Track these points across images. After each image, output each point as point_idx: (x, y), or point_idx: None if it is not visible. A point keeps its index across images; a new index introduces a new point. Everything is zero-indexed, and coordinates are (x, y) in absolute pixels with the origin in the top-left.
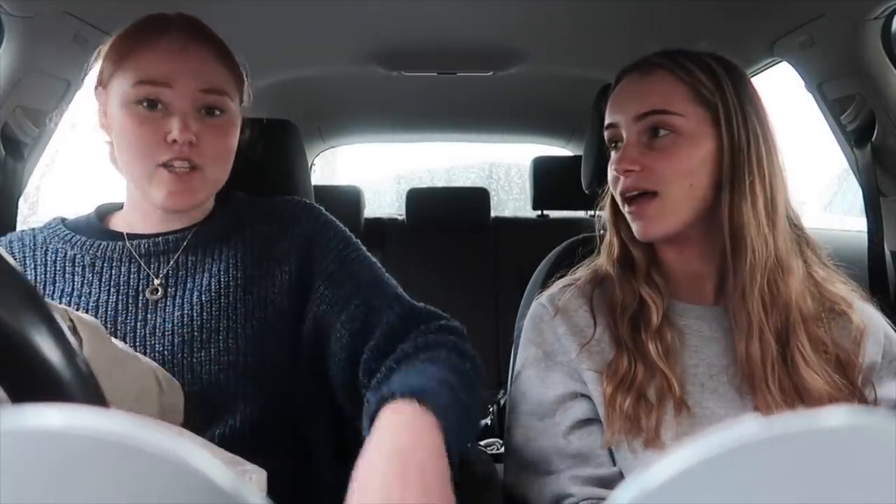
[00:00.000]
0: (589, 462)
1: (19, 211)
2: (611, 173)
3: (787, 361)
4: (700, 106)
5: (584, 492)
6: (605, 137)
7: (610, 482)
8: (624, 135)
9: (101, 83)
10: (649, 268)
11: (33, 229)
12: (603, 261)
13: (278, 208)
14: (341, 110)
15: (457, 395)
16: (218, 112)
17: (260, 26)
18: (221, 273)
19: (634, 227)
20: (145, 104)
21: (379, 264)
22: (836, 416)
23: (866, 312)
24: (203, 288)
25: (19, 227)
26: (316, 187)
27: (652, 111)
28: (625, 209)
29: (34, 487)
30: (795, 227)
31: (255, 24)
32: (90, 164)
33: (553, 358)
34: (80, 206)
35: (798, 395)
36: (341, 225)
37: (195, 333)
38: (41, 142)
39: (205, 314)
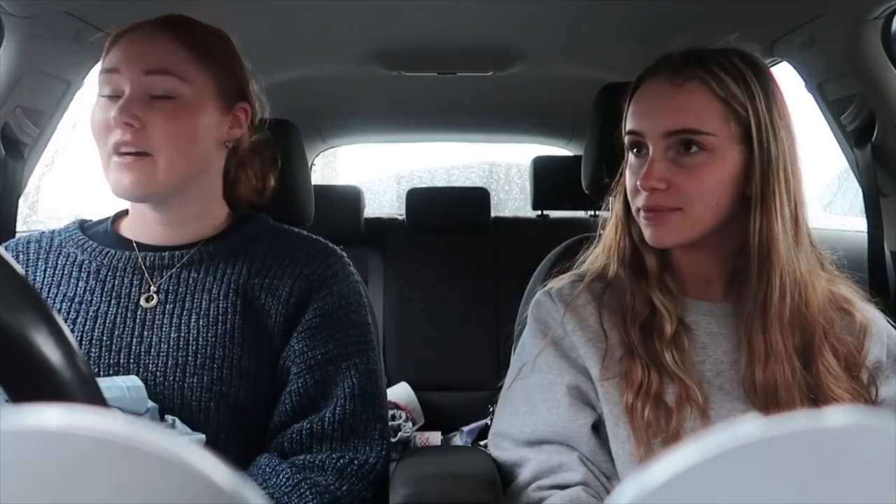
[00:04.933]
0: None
1: (19, 211)
2: (630, 181)
3: (811, 381)
4: (731, 122)
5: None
6: (626, 141)
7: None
8: (650, 147)
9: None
10: (661, 272)
11: (52, 231)
12: (609, 262)
13: (296, 244)
14: (341, 110)
15: None
16: (165, 96)
17: (260, 26)
18: (221, 298)
19: (647, 232)
20: (107, 94)
21: (370, 336)
22: (836, 416)
23: (868, 312)
24: (202, 311)
25: (19, 227)
26: (316, 187)
27: (683, 129)
28: (640, 215)
29: (34, 488)
30: (811, 239)
31: (255, 24)
32: (90, 164)
33: (560, 346)
34: (79, 207)
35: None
36: (355, 282)
37: (189, 358)
38: (41, 142)
39: (201, 339)
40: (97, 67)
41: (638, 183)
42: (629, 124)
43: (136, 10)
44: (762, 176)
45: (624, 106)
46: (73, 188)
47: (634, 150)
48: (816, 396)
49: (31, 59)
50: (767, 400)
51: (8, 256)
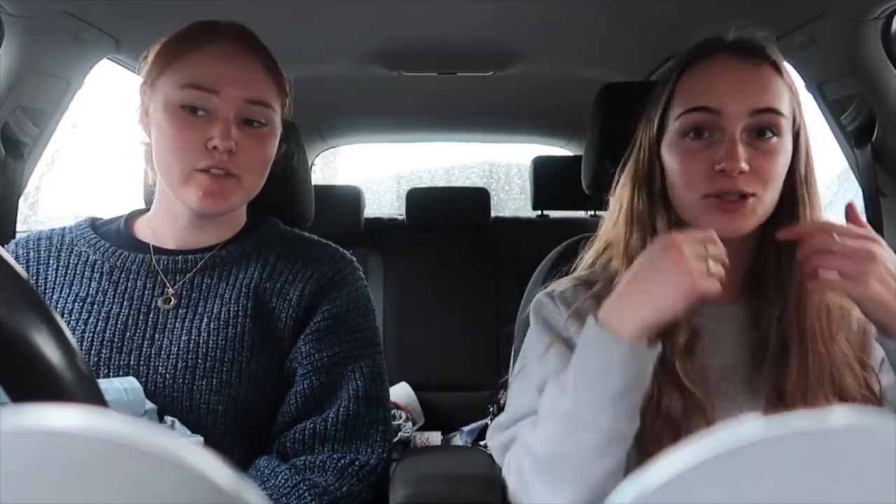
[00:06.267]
0: None
1: (19, 211)
2: (693, 166)
3: (831, 368)
4: (794, 110)
5: None
6: (687, 121)
7: None
8: (726, 126)
9: (148, 82)
10: None
11: (63, 228)
12: (614, 264)
13: (307, 248)
14: (341, 110)
15: None
16: (259, 123)
17: (259, 27)
18: (233, 302)
19: (721, 221)
20: (188, 108)
21: (377, 340)
22: (837, 415)
23: None
24: (213, 314)
25: (19, 227)
26: (316, 187)
27: (768, 109)
28: (706, 203)
29: (35, 488)
30: None
31: (255, 24)
32: (90, 164)
33: (567, 344)
34: (79, 207)
35: (835, 399)
36: (364, 286)
37: (199, 361)
38: (41, 142)
39: (211, 342)
40: (97, 67)
41: (722, 165)
42: (696, 100)
43: (136, 9)
44: (807, 167)
45: (625, 105)
46: (73, 188)
47: (691, 134)
48: (833, 386)
49: (31, 59)
50: (795, 391)
51: (8, 256)
